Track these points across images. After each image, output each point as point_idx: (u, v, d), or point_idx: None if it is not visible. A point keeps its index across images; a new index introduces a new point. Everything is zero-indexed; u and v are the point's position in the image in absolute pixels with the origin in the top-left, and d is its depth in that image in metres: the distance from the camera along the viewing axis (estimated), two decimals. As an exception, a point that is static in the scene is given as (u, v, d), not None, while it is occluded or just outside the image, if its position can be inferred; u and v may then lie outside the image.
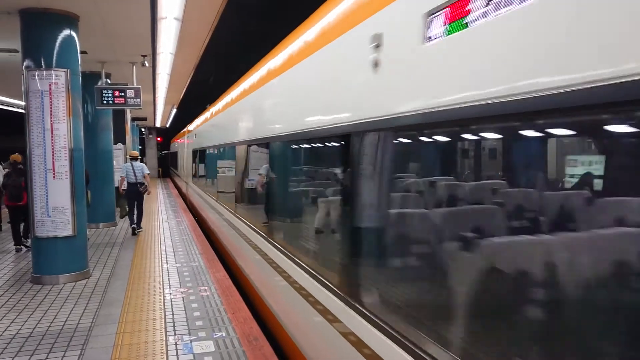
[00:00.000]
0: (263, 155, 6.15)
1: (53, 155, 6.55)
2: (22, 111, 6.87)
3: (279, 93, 5.17)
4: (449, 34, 2.05)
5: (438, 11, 2.12)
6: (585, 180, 1.60)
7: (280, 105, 5.16)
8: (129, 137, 18.36)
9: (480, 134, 2.19)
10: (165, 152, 45.37)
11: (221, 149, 9.98)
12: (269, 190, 5.90)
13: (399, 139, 2.75)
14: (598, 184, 1.58)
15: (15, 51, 8.04)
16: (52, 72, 6.55)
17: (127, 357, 4.26)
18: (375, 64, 2.69)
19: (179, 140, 26.86)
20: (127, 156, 12.75)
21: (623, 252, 1.45)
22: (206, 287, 6.43)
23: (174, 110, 25.70)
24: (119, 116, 14.51)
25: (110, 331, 4.88)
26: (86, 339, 4.71)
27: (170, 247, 9.24)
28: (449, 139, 2.39)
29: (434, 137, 2.47)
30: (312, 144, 4.25)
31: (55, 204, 6.62)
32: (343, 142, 3.24)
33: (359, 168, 3.01)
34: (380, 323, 2.64)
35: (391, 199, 2.84)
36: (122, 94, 9.85)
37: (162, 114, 25.82)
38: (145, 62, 9.87)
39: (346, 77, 3.23)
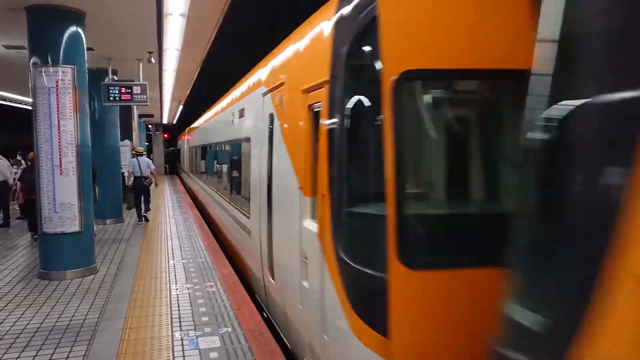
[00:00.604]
0: (210, 152, 13.43)
1: (60, 151, 6.59)
2: (27, 107, 6.93)
3: (210, 126, 12.96)
4: (239, 119, 7.74)
5: (237, 110, 7.85)
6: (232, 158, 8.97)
7: (210, 131, 12.78)
8: (135, 133, 18.46)
9: (230, 147, 9.07)
10: (172, 148, 44.76)
11: (202, 148, 16.45)
12: (201, 165, 16.10)
13: (233, 146, 8.61)
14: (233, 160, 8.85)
15: (23, 48, 8.08)
16: (59, 68, 6.57)
17: (133, 352, 4.28)
18: (232, 122, 8.39)
19: (182, 138, 30.34)
20: (133, 152, 12.87)
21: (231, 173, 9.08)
22: (212, 283, 6.45)
23: (181, 107, 25.77)
24: (126, 113, 14.59)
25: (117, 326, 4.91)
26: (93, 334, 4.74)
27: (177, 243, 9.28)
28: (234, 147, 8.55)
29: (237, 145, 7.99)
30: (218, 148, 10.99)
31: (62, 200, 6.66)
32: (226, 147, 9.35)
33: (226, 155, 9.71)
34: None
35: (230, 161, 9.33)
36: (129, 90, 9.91)
37: (168, 111, 25.90)
38: (152, 58, 9.90)
39: (226, 124, 9.32)
